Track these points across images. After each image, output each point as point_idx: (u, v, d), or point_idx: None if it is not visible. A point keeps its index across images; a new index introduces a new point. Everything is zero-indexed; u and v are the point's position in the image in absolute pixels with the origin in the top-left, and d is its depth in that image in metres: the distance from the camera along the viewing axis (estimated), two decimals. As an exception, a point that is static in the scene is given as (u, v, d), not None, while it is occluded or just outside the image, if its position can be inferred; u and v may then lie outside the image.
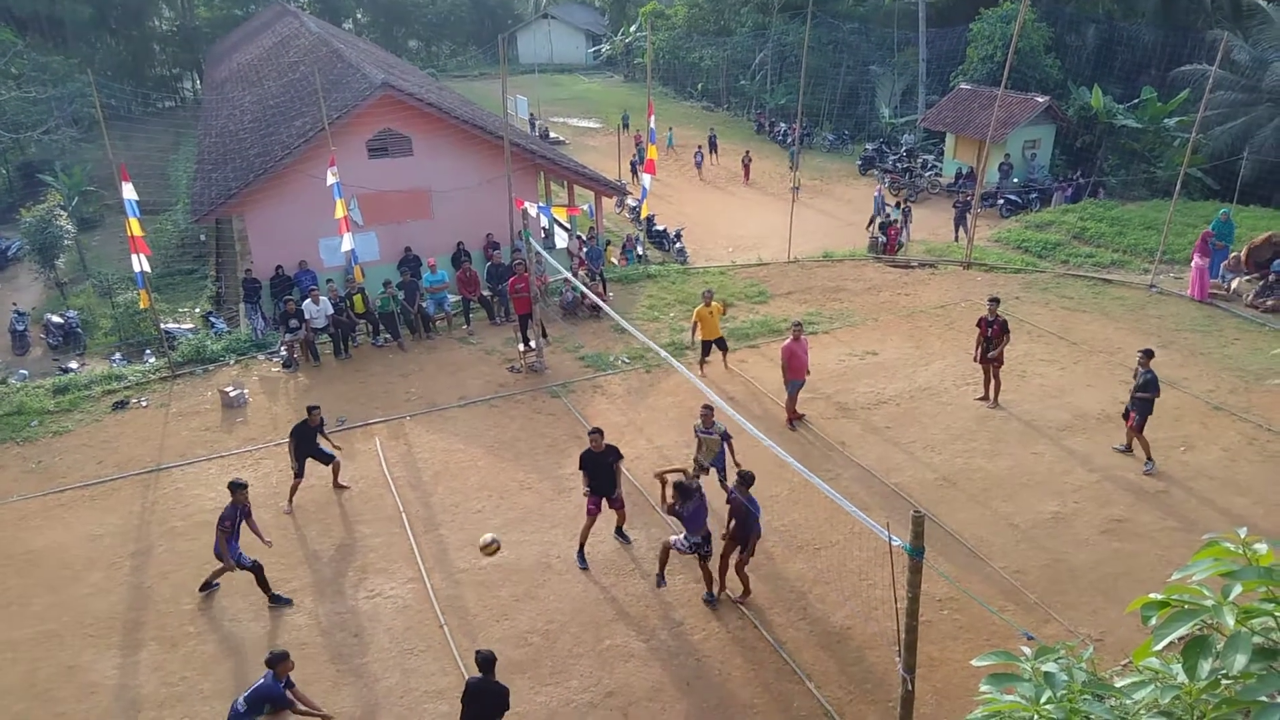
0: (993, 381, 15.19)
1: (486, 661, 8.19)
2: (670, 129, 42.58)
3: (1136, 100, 32.25)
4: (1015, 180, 31.54)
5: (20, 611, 10.96)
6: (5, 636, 10.54)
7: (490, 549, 10.12)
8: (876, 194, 29.92)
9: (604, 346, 18.06)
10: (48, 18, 48.37)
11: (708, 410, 12.02)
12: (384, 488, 13.39)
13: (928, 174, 34.29)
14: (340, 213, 18.64)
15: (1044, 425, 14.46)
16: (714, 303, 16.29)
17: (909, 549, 7.46)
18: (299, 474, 12.85)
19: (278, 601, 10.95)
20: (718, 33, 51.79)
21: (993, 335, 14.78)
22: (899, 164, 35.88)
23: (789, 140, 40.23)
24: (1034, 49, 34.35)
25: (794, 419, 14.77)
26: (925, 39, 40.33)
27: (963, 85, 35.26)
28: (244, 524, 10.95)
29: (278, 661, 8.56)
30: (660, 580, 10.96)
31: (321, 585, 11.30)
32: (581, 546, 11.57)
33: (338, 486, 13.37)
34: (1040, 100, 31.76)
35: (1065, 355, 17.07)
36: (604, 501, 11.52)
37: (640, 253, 26.06)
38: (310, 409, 12.98)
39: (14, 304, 24.12)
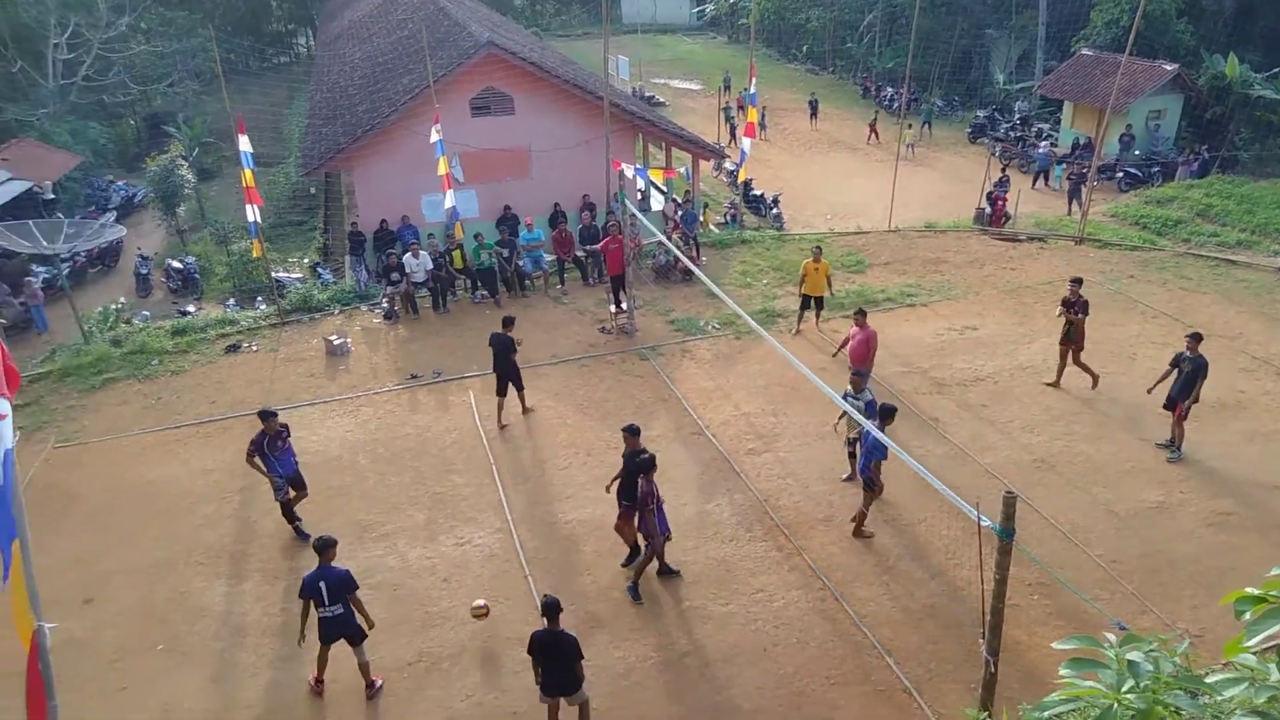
0: (1065, 365, 14.55)
1: (550, 608, 8.05)
2: (744, 90, 41.75)
3: (1277, 69, 30.09)
4: (1136, 152, 29.94)
5: (139, 539, 11.71)
6: (125, 562, 11.29)
7: (480, 612, 9.95)
8: (1042, 151, 29.15)
9: (695, 311, 18.03)
10: (173, -28, 50.24)
11: (858, 375, 11.81)
12: (476, 440, 13.74)
13: (1043, 144, 32.81)
14: (443, 170, 18.98)
15: (1152, 411, 13.79)
16: (822, 260, 16.33)
17: (999, 530, 7.30)
18: (500, 391, 13.86)
19: (300, 535, 11.54)
20: (826, -8, 50.37)
21: (1076, 314, 14.21)
22: (1011, 132, 34.46)
23: (894, 106, 39.04)
24: (1165, 13, 32.35)
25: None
26: (1046, 1, 38.37)
27: (1084, 51, 33.50)
28: (279, 452, 11.25)
29: (328, 548, 8.88)
30: (635, 593, 10.43)
31: (413, 530, 11.72)
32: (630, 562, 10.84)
33: (525, 410, 14.28)
34: (1168, 68, 29.94)
35: (1180, 339, 16.18)
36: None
37: (737, 216, 25.79)
38: (505, 320, 13.90)
39: (139, 249, 25.46)
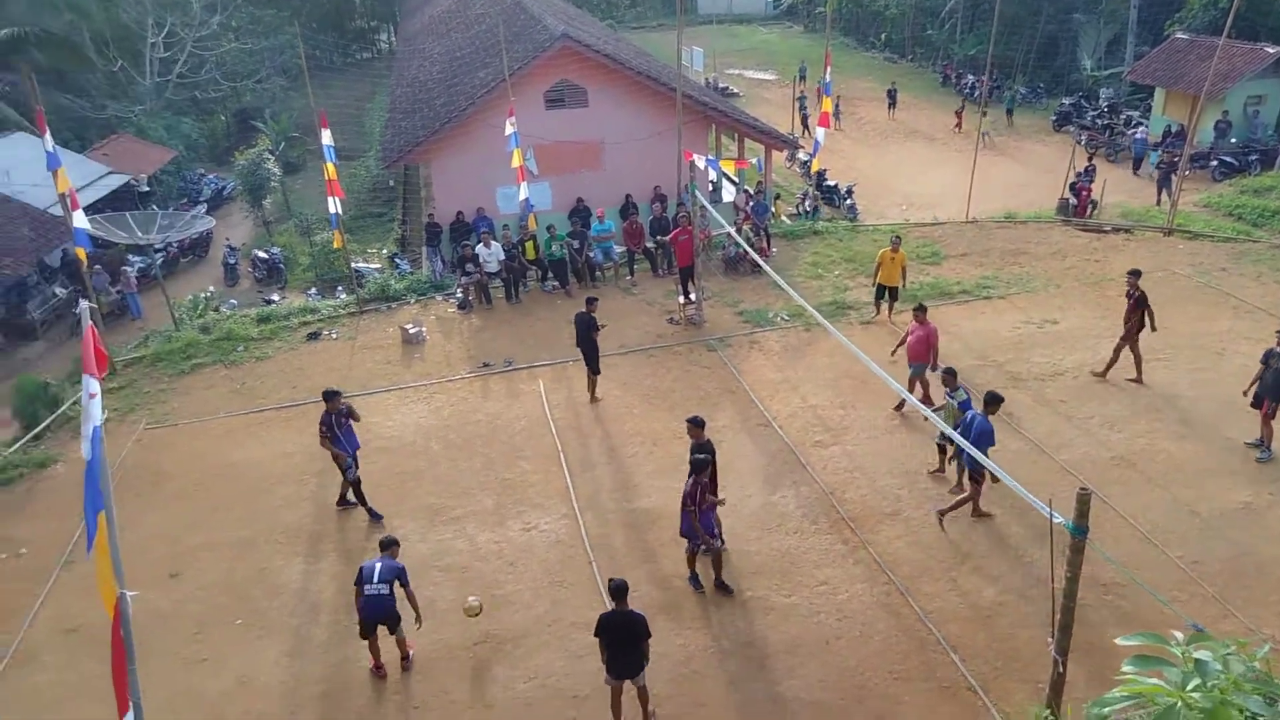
0: (1139, 356, 14.18)
1: (619, 590, 8.23)
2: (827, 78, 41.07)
3: (1392, 50, 28.36)
4: (1233, 140, 28.58)
5: (223, 517, 12.23)
6: (210, 538, 11.80)
7: (472, 611, 9.90)
8: (1139, 137, 28.18)
9: (764, 302, 17.92)
10: (263, -28, 51.90)
11: (949, 374, 11.68)
12: (545, 427, 13.94)
13: (1130, 132, 31.58)
14: (516, 162, 19.25)
15: (1242, 408, 13.18)
16: (900, 250, 16.25)
17: (1071, 527, 7.11)
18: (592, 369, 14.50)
19: (373, 516, 11.94)
20: (907, -22, 49.30)
21: (1129, 310, 13.86)
22: (1098, 120, 33.25)
23: (976, 94, 38.05)
24: (1269, -9, 30.77)
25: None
26: (1139, -17, 36.88)
27: (1179, 34, 32.10)
28: (343, 429, 11.60)
29: (392, 544, 9.47)
30: (695, 583, 10.44)
31: (482, 515, 11.96)
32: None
33: (594, 399, 14.63)
34: (1270, 51, 28.44)
35: (1273, 335, 15.45)
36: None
37: (810, 208, 25.51)
38: (589, 300, 14.76)
39: (227, 239, 26.48)
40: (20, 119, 26.97)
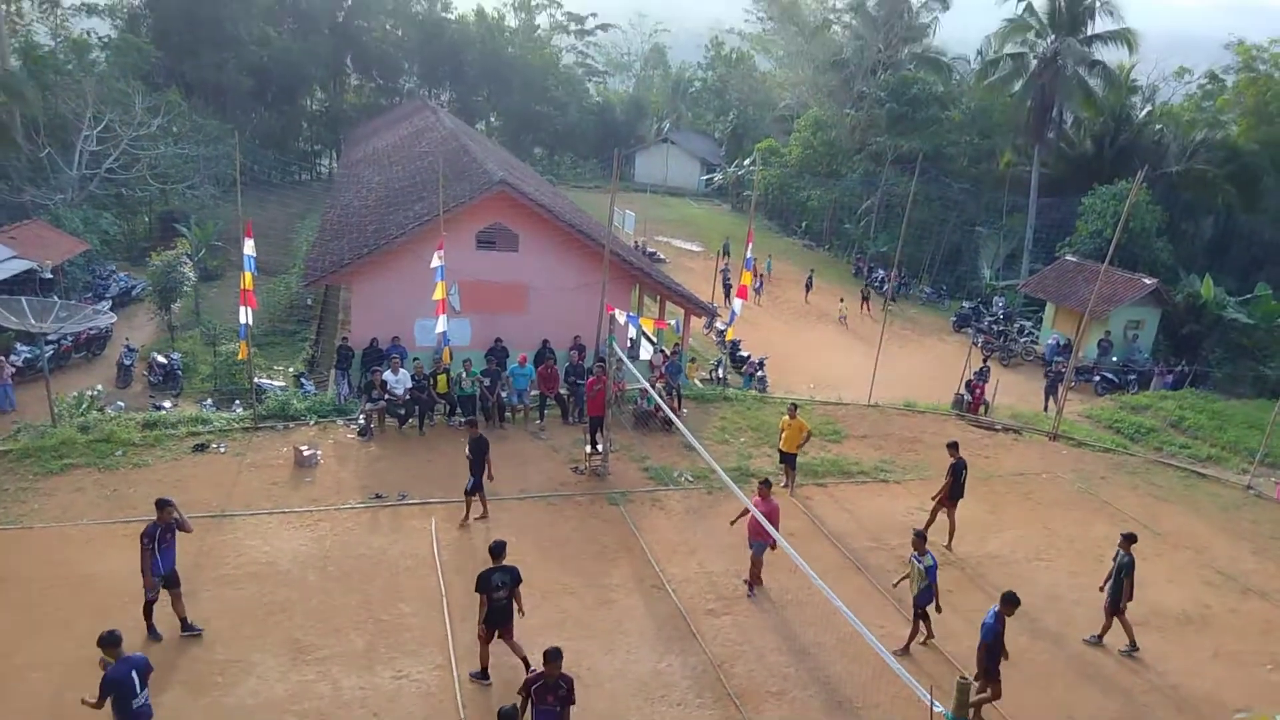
0: (934, 516, 15.61)
1: (507, 716, 8.33)
2: (770, 256, 43.24)
3: (1251, 295, 31.45)
4: (1114, 359, 30.81)
5: (64, 632, 11.17)
6: (45, 656, 10.74)
7: None
8: (1051, 343, 29.86)
9: (670, 461, 18.00)
10: (213, 85, 52.74)
11: (919, 537, 11.99)
12: (431, 569, 13.39)
13: (1023, 340, 33.81)
14: (439, 295, 19.35)
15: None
16: (797, 417, 16.76)
17: (950, 717, 7.09)
18: (470, 490, 14.66)
19: (188, 629, 11.35)
20: (828, 175, 52.95)
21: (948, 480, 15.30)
22: (994, 326, 35.55)
23: (884, 288, 40.45)
24: (1145, 230, 34.13)
25: (752, 584, 13.60)
26: (1035, 207, 40.48)
27: (1068, 257, 35.06)
28: (166, 545, 10.99)
29: (119, 643, 8.72)
30: None
31: (351, 657, 11.24)
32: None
33: (482, 516, 14.95)
34: (1147, 282, 31.27)
35: (1148, 546, 16.12)
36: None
37: (721, 375, 26.19)
38: (467, 422, 15.71)
39: (126, 339, 25.53)
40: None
